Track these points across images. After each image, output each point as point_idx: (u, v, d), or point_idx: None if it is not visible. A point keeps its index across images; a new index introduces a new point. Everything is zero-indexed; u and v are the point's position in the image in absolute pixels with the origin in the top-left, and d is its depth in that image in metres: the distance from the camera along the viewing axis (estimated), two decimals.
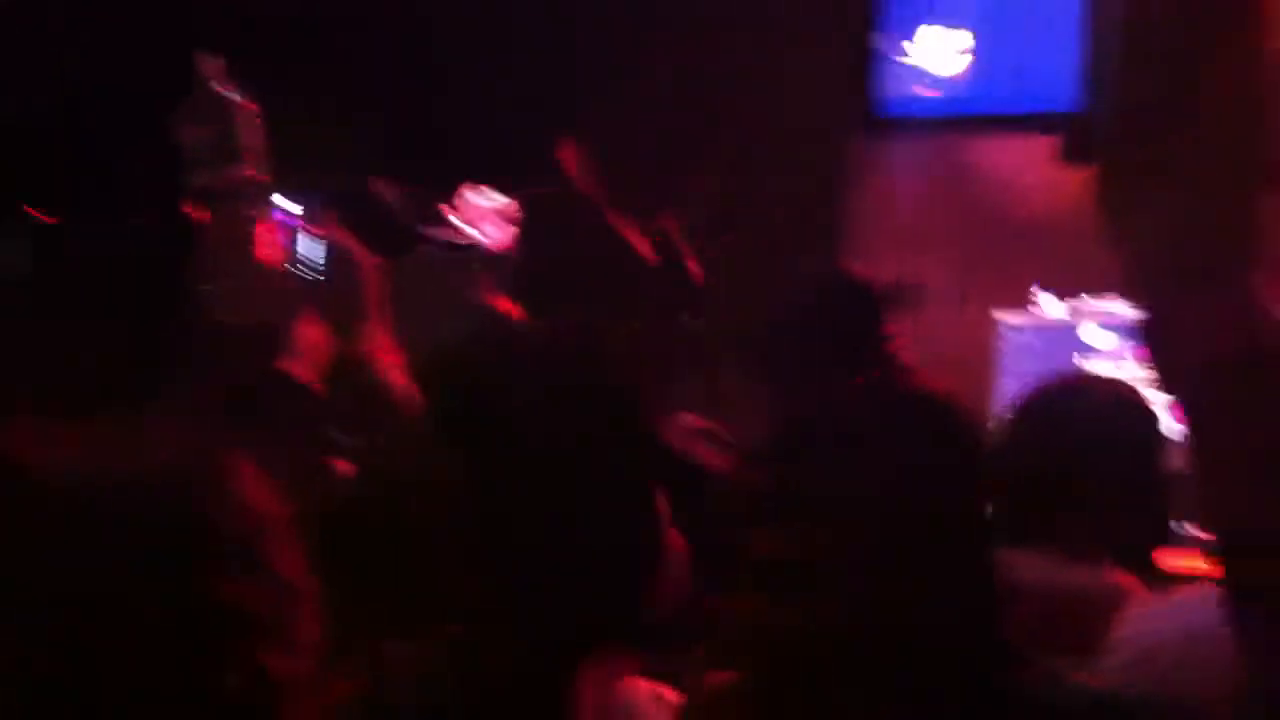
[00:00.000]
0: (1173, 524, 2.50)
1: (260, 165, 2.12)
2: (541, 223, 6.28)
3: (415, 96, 7.20)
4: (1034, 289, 7.26)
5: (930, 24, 7.37)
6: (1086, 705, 1.41)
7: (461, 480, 1.37)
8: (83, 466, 1.14)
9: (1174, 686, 1.85)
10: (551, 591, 1.40)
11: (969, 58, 7.26)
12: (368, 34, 6.85)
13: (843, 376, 2.75)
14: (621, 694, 1.46)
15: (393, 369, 1.97)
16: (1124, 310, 5.47)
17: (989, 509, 1.51)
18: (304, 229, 2.03)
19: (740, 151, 6.88)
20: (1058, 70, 6.31)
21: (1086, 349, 6.16)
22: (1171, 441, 2.17)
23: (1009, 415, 2.35)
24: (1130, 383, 2.41)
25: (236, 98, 2.17)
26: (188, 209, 1.94)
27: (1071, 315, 6.55)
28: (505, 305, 5.35)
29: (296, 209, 2.07)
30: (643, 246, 5.34)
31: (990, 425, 2.32)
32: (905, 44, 7.37)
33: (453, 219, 7.38)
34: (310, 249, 2.04)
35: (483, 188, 7.19)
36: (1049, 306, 6.81)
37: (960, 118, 7.35)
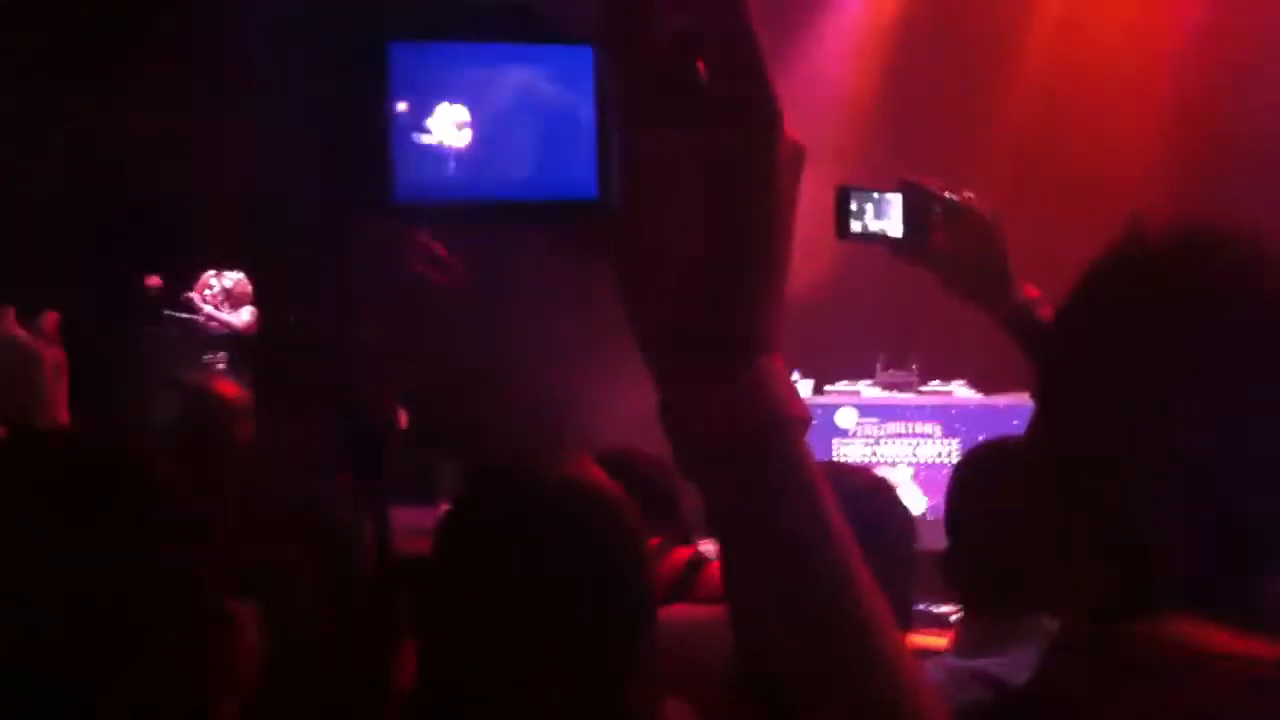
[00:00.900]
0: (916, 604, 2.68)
1: None
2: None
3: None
4: (793, 375, 8.40)
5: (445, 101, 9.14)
6: None
7: None
8: None
9: None
10: None
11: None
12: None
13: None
14: None
15: None
16: (876, 393, 6.63)
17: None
18: None
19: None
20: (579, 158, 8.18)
21: (838, 431, 7.24)
22: (913, 523, 2.36)
23: None
24: (872, 467, 2.56)
25: None
26: None
27: (824, 398, 7.64)
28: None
29: None
30: None
31: None
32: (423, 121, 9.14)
33: (198, 303, 8.30)
34: None
35: (222, 271, 8.10)
36: (802, 389, 7.92)
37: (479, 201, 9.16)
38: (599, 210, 0.91)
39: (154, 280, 8.18)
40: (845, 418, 7.73)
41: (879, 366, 7.91)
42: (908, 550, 2.25)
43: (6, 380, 1.72)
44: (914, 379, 7.75)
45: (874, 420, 7.58)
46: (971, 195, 1.89)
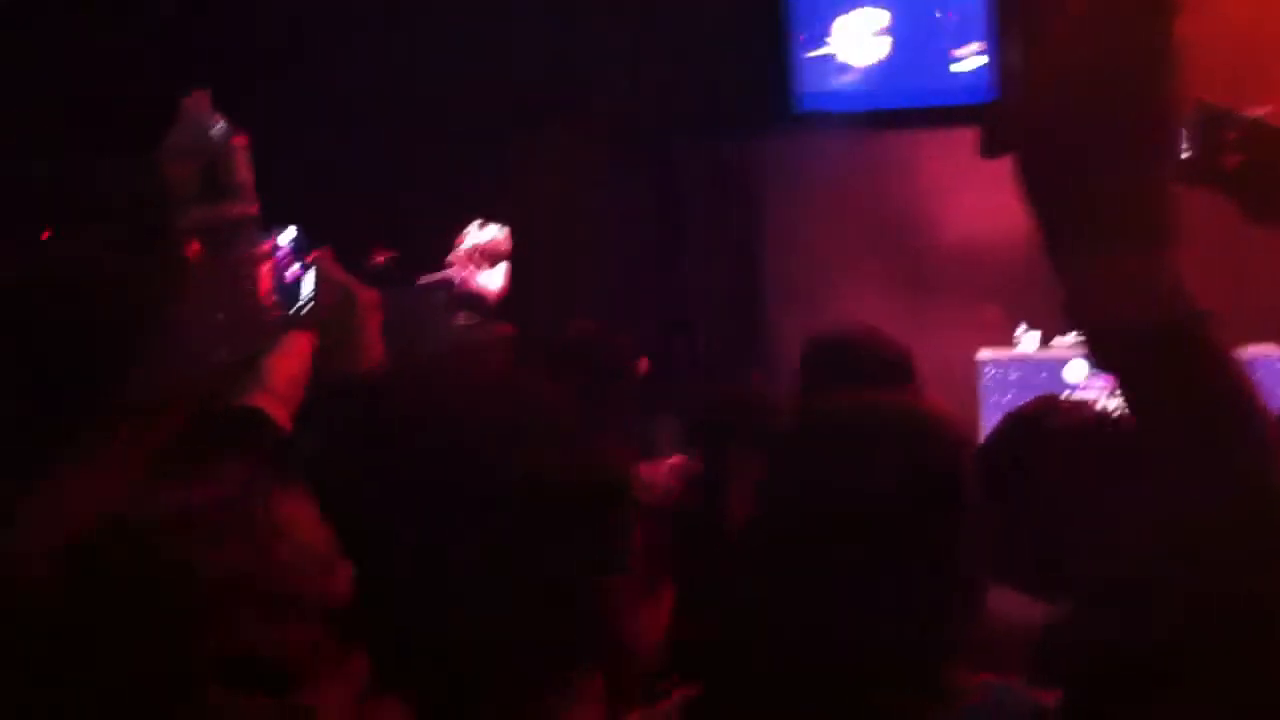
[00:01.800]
0: None
1: (250, 200, 1.95)
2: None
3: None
4: (1019, 325, 6.72)
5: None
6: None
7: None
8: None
9: None
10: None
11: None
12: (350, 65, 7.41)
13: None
14: None
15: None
16: None
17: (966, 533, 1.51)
18: (293, 260, 1.89)
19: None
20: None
21: (1068, 386, 7.49)
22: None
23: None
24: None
25: (224, 130, 1.98)
26: (180, 246, 1.90)
27: (1053, 350, 7.31)
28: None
29: (285, 240, 1.96)
30: None
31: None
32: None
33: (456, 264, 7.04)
34: (300, 280, 1.90)
35: (481, 224, 6.98)
36: (1029, 342, 7.11)
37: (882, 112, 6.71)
38: (999, 110, 0.97)
39: (380, 257, 6.91)
40: (1075, 371, 6.90)
41: None
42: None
43: (334, 320, 1.86)
44: None
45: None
46: (1267, 110, 1.87)
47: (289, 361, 1.85)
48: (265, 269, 1.89)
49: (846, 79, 7.36)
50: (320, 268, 1.92)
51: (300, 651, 1.06)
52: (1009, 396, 6.38)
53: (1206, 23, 7.56)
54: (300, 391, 1.85)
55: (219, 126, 1.89)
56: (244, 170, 1.89)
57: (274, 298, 1.89)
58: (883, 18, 7.42)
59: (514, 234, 7.01)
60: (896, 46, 7.31)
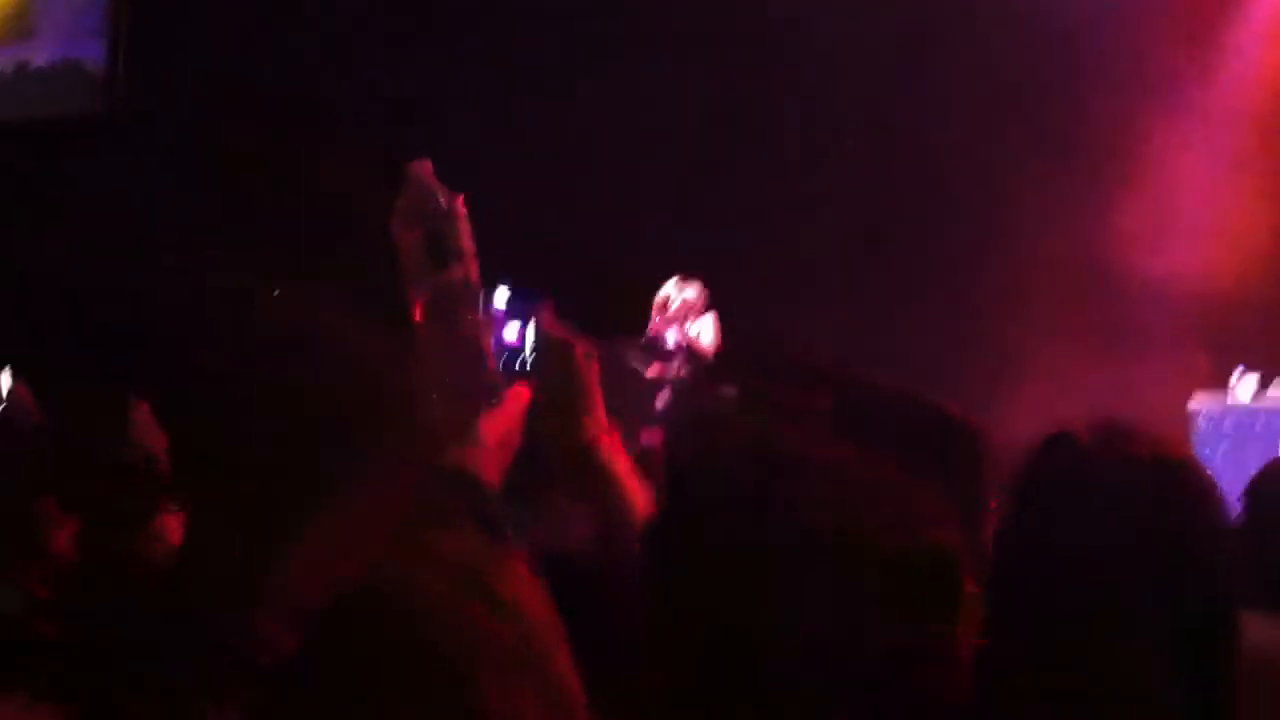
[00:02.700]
0: None
1: (471, 265, 2.00)
2: None
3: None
4: (1234, 371, 6.52)
5: None
6: None
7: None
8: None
9: None
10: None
11: None
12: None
13: None
14: None
15: (619, 455, 1.89)
16: None
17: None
18: (510, 319, 1.92)
19: None
20: None
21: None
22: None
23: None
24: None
25: (448, 196, 2.04)
26: (410, 314, 1.93)
27: (1269, 398, 6.98)
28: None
29: (500, 299, 1.98)
30: None
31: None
32: None
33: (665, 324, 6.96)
34: (519, 340, 1.91)
35: (684, 281, 6.90)
36: (1243, 390, 6.82)
37: None
38: None
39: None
40: None
41: None
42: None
43: (554, 377, 1.88)
44: None
45: None
46: None
47: (503, 418, 1.88)
48: (489, 332, 1.93)
49: None
50: (539, 325, 1.94)
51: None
52: (1223, 448, 6.15)
53: None
54: (512, 448, 1.88)
55: (442, 194, 1.94)
56: (466, 236, 1.93)
57: (495, 359, 1.92)
58: None
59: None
60: None
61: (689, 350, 7.11)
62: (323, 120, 7.59)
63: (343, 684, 1.02)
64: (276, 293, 6.80)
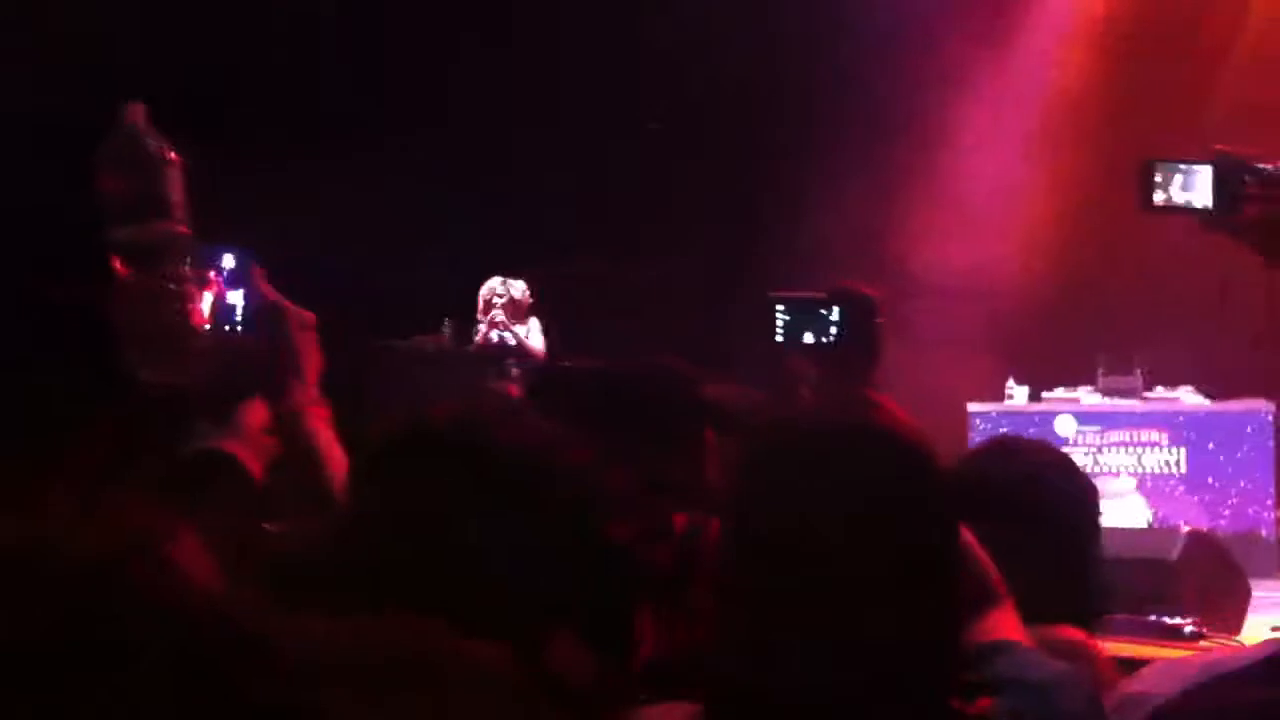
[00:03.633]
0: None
1: (184, 220, 1.87)
2: None
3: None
4: (1008, 380, 6.70)
5: None
6: None
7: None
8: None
9: None
10: None
11: None
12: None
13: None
14: None
15: (323, 427, 1.82)
16: (1096, 400, 7.59)
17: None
18: (228, 283, 1.83)
19: None
20: None
21: (1058, 439, 7.38)
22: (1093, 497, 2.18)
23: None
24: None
25: (161, 148, 1.90)
26: (112, 265, 1.74)
27: (1041, 405, 7.28)
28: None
29: (222, 263, 1.86)
30: None
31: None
32: None
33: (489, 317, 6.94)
34: (234, 304, 1.84)
35: (505, 278, 6.88)
36: (1018, 396, 7.07)
37: None
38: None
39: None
40: (1064, 425, 6.96)
41: (1100, 372, 6.82)
42: (1089, 520, 2.11)
43: (268, 344, 1.82)
44: (1138, 384, 7.25)
45: (1095, 428, 6.98)
46: None
47: (260, 409, 1.87)
48: (198, 291, 1.85)
49: None
50: (254, 288, 1.89)
51: None
52: None
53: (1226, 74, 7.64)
54: (268, 444, 1.86)
55: (154, 143, 1.83)
56: (177, 189, 1.83)
57: (206, 321, 1.85)
58: None
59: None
60: None
61: (519, 351, 7.00)
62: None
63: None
64: None
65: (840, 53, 7.57)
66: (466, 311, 7.14)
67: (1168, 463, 7.33)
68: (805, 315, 2.20)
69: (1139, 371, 7.63)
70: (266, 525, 1.91)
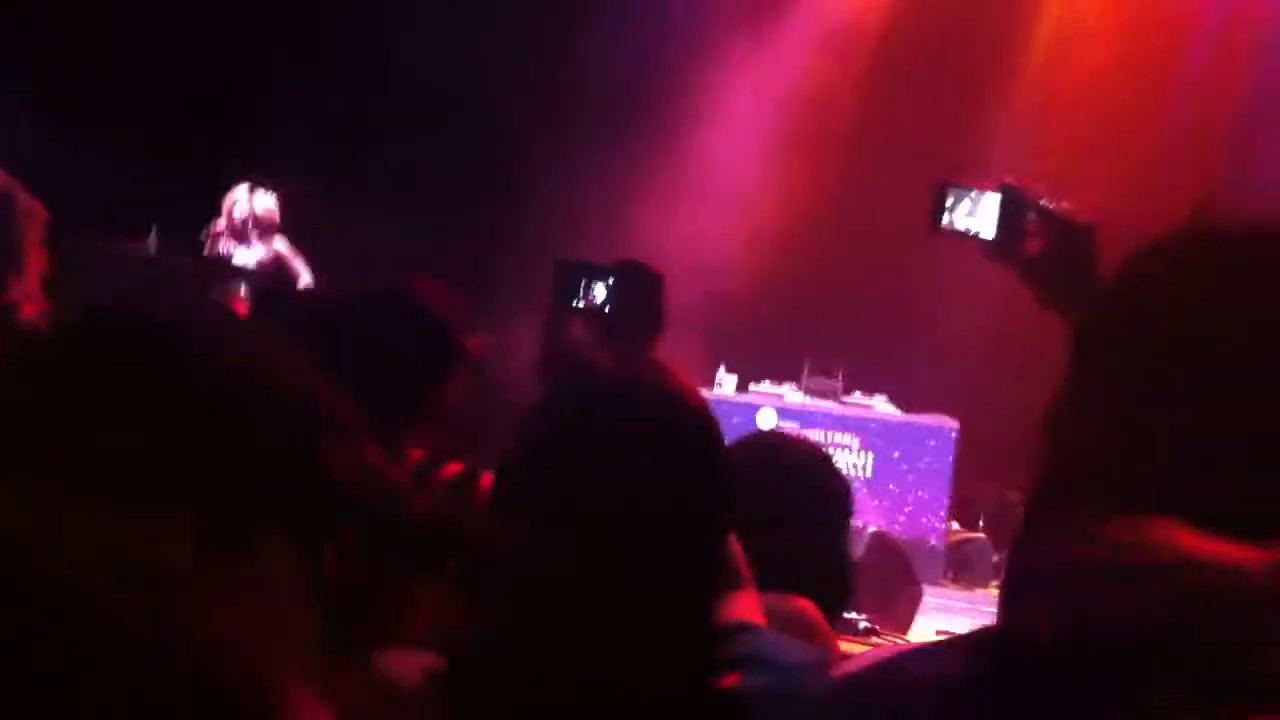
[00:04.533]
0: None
1: None
2: None
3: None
4: (720, 367, 6.82)
5: None
6: None
7: None
8: None
9: None
10: None
11: None
12: None
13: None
14: None
15: (37, 319, 1.74)
16: (799, 398, 7.88)
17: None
18: None
19: None
20: None
21: (757, 430, 7.63)
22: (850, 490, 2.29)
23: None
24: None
25: None
26: None
27: (747, 396, 7.50)
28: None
29: None
30: None
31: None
32: None
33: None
34: None
35: (254, 188, 6.40)
36: (727, 385, 7.26)
37: None
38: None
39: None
40: (765, 418, 7.20)
41: (805, 371, 6.94)
42: (846, 516, 2.24)
43: None
44: (838, 388, 7.48)
45: (794, 425, 7.11)
46: (1068, 205, 1.92)
47: None
48: None
49: None
50: None
51: None
52: None
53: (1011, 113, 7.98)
54: None
55: None
56: None
57: None
58: None
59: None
60: None
61: (245, 270, 6.32)
62: None
63: None
64: None
65: (600, 26, 7.59)
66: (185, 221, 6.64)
67: (855, 465, 7.58)
68: (588, 280, 2.24)
69: (840, 375, 7.89)
70: None
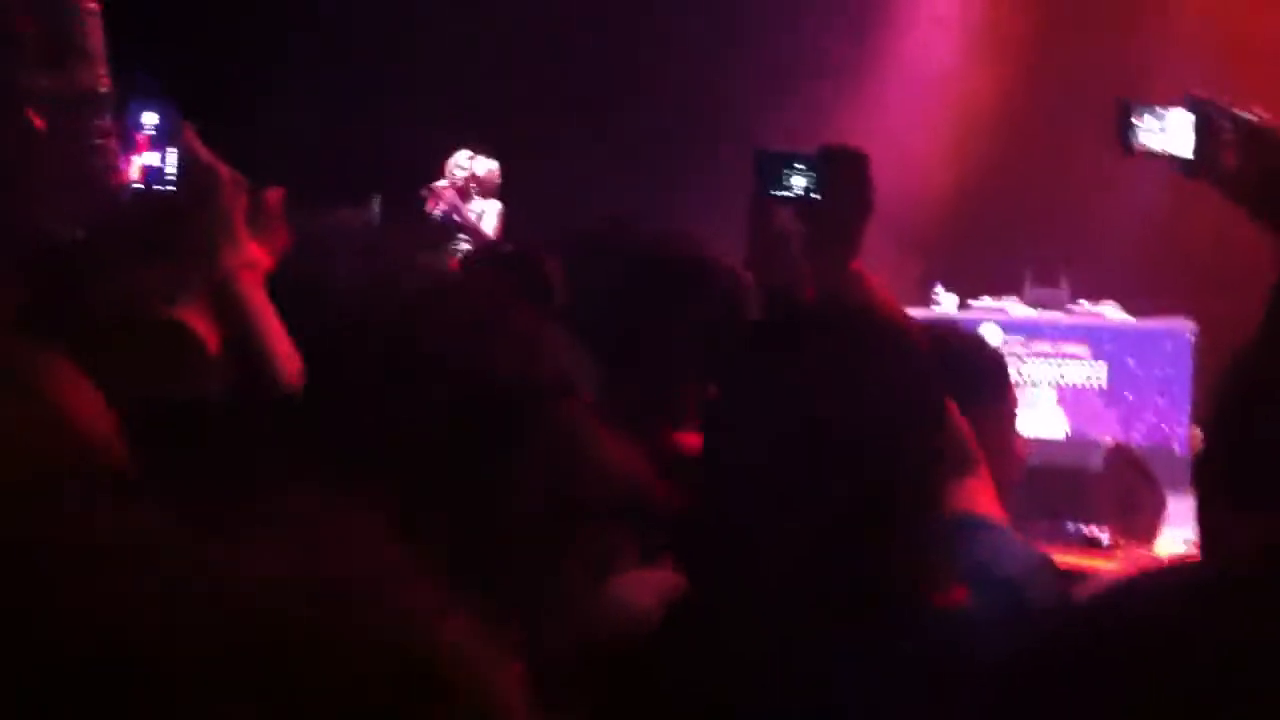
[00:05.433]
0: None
1: (106, 73, 1.77)
2: None
3: None
4: (935, 287, 6.68)
5: None
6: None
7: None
8: None
9: None
10: None
11: None
12: None
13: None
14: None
15: (256, 292, 1.74)
16: (1022, 311, 7.62)
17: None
18: (155, 143, 1.72)
19: None
20: None
21: None
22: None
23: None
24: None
25: None
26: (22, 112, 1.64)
27: (968, 312, 7.29)
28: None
29: (148, 121, 1.73)
30: None
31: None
32: None
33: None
34: (162, 162, 1.73)
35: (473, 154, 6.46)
36: (946, 303, 7.06)
37: None
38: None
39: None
40: (990, 334, 6.84)
41: (1027, 283, 6.80)
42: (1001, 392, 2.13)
43: (196, 203, 1.73)
44: (1063, 297, 7.25)
45: (1020, 338, 6.97)
46: (1261, 112, 1.85)
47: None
48: (119, 146, 1.76)
49: None
50: (184, 148, 1.76)
51: None
52: None
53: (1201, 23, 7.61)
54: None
55: None
56: (96, 38, 1.72)
57: (129, 177, 1.75)
58: None
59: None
60: None
61: (469, 228, 6.67)
62: None
63: None
64: None
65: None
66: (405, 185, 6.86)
67: (1089, 377, 7.33)
68: (790, 169, 2.16)
69: (1065, 284, 7.63)
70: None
